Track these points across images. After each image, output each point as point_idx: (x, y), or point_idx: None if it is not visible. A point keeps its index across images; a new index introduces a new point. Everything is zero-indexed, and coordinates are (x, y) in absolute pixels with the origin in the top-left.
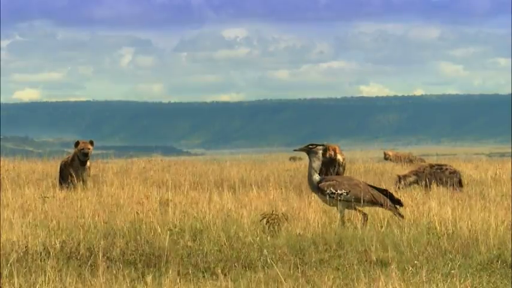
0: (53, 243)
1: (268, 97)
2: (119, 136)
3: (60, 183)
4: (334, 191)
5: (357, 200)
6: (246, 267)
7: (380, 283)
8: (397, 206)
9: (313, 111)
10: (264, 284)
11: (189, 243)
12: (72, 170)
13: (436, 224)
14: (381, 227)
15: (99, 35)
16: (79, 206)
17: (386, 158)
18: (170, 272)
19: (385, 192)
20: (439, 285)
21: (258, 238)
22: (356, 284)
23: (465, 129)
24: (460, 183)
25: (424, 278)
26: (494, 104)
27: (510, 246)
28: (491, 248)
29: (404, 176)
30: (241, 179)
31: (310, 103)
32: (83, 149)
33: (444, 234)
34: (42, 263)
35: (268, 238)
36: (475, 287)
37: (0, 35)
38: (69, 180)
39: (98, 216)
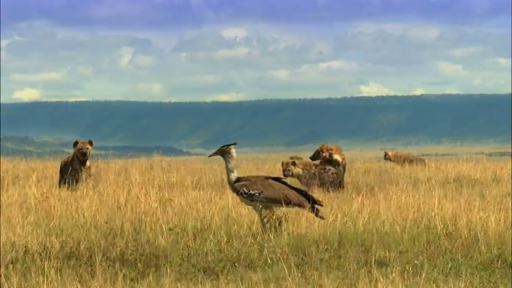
0: (52, 243)
1: (268, 97)
2: (119, 136)
3: (60, 183)
4: (247, 191)
5: (270, 200)
6: (246, 267)
7: (380, 283)
8: (317, 207)
9: (313, 111)
10: (264, 284)
11: (189, 243)
12: (72, 170)
13: (437, 223)
14: (382, 226)
15: (98, 35)
16: (79, 206)
17: (386, 158)
18: (170, 272)
19: (304, 193)
20: (439, 284)
21: (258, 238)
22: (356, 283)
23: (465, 129)
24: (341, 184)
25: (424, 277)
26: (494, 104)
27: (510, 246)
28: (491, 248)
29: (295, 164)
30: None
31: (310, 103)
32: (81, 148)
33: (444, 233)
34: (42, 263)
35: (269, 238)
36: (475, 287)
37: (0, 35)
38: (69, 180)
39: (98, 216)
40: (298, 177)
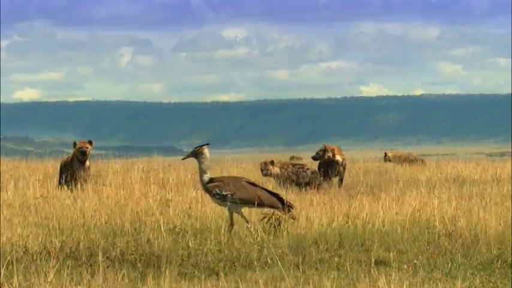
0: (52, 243)
1: (268, 97)
2: (119, 136)
3: (60, 183)
4: (219, 192)
5: (243, 201)
6: (246, 267)
7: (380, 283)
8: (290, 209)
9: (313, 111)
10: (264, 284)
11: (190, 243)
12: (72, 169)
13: (436, 223)
14: (382, 226)
15: (98, 35)
16: (79, 206)
17: (386, 159)
18: (170, 272)
19: (276, 196)
20: (439, 285)
21: (258, 238)
22: (356, 283)
23: (465, 129)
24: (319, 185)
25: (424, 277)
26: (494, 104)
27: (510, 246)
28: (491, 248)
29: (273, 163)
30: None
31: (310, 103)
32: (81, 147)
33: (444, 233)
34: (42, 262)
35: (269, 238)
36: (475, 287)
37: (0, 35)
38: (69, 180)
39: (98, 216)
40: (276, 176)
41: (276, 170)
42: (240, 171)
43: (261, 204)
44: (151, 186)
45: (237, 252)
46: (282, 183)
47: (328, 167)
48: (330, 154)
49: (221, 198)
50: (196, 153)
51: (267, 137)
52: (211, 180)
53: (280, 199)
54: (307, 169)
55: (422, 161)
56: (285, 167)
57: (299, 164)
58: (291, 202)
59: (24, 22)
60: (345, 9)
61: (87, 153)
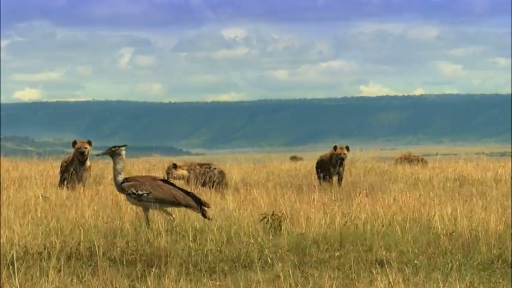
0: (53, 243)
1: (268, 97)
2: (119, 136)
3: (61, 183)
4: (135, 192)
5: (158, 200)
6: (246, 267)
7: (380, 283)
8: (204, 208)
9: (313, 111)
10: (264, 284)
11: (190, 243)
12: (73, 169)
13: (437, 223)
14: (382, 226)
15: (98, 35)
16: (79, 205)
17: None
18: (171, 272)
19: (190, 194)
20: (439, 284)
21: (258, 238)
22: (356, 283)
23: (465, 129)
24: (225, 183)
25: (424, 277)
26: (494, 104)
27: (510, 246)
28: (491, 248)
29: (176, 167)
30: (242, 179)
31: (310, 103)
32: (79, 148)
33: (444, 233)
34: (43, 263)
35: (269, 238)
36: (475, 287)
37: (0, 35)
38: (70, 180)
39: (98, 216)
40: (183, 178)
41: (181, 172)
42: (241, 172)
43: (177, 204)
44: None
45: (237, 252)
46: (191, 183)
47: (336, 165)
48: (345, 151)
49: (137, 198)
50: (114, 153)
51: (267, 137)
52: (126, 180)
53: (196, 198)
54: (214, 169)
55: (424, 161)
56: (192, 167)
57: (206, 164)
58: (206, 201)
59: (24, 22)
60: (345, 9)
61: (86, 153)
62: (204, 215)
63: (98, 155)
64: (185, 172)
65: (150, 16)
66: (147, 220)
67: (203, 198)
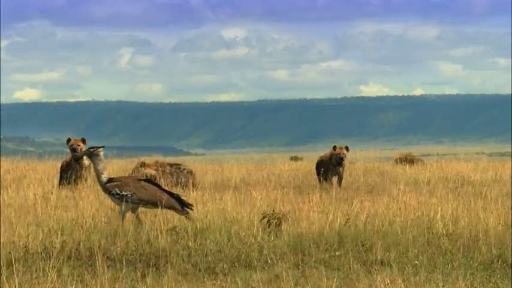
0: (53, 243)
1: (268, 97)
2: (119, 136)
3: (61, 183)
4: (119, 192)
5: (142, 201)
6: (246, 267)
7: (380, 283)
8: (187, 210)
9: (313, 111)
10: (264, 284)
11: (190, 243)
12: (72, 169)
13: (437, 223)
14: (382, 226)
15: (98, 35)
16: (79, 205)
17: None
18: (170, 272)
19: (175, 196)
20: (439, 285)
21: (258, 238)
22: (356, 284)
23: (465, 129)
24: (194, 184)
25: (424, 277)
26: (494, 104)
27: (510, 246)
28: (491, 248)
29: (145, 165)
30: (242, 179)
31: (310, 103)
32: (72, 144)
33: (444, 234)
34: (43, 263)
35: (269, 238)
36: (475, 287)
37: (0, 35)
38: (70, 180)
39: (98, 216)
40: (152, 177)
41: (148, 171)
42: (241, 172)
43: (160, 205)
44: None
45: (237, 252)
46: (160, 183)
47: (336, 165)
48: (345, 151)
49: (120, 198)
50: (92, 154)
51: (267, 137)
52: (110, 180)
53: (180, 201)
54: (184, 169)
55: (422, 161)
56: (162, 167)
57: (176, 165)
58: (191, 203)
59: (23, 22)
60: (345, 9)
61: (78, 150)
62: (187, 217)
63: (75, 154)
64: (153, 171)
65: (150, 16)
66: (123, 220)
67: (187, 199)
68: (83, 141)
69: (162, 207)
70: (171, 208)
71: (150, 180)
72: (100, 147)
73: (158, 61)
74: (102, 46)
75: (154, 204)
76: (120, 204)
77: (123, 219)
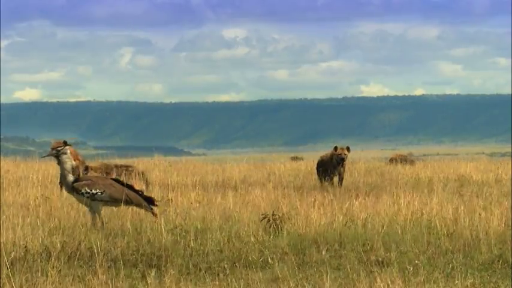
0: (53, 243)
1: (268, 97)
2: (119, 136)
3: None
4: (89, 191)
5: (112, 199)
6: (246, 267)
7: (380, 283)
8: (152, 206)
9: (313, 111)
10: (264, 284)
11: (191, 243)
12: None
13: (437, 223)
14: (382, 226)
15: (98, 35)
16: (80, 205)
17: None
18: (171, 272)
19: (140, 193)
20: (439, 285)
21: (259, 238)
22: (356, 284)
23: (466, 129)
24: (147, 184)
25: (424, 277)
26: (494, 104)
27: (511, 246)
28: (492, 248)
29: (88, 169)
30: (243, 179)
31: (310, 103)
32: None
33: (445, 234)
34: (43, 263)
35: (269, 238)
36: (475, 287)
37: (0, 35)
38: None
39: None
40: None
41: (93, 174)
42: (241, 172)
43: (129, 203)
44: (152, 186)
45: (237, 252)
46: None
47: (337, 166)
48: (346, 152)
49: (91, 197)
50: (59, 153)
51: (267, 137)
52: (77, 179)
53: (146, 198)
54: (132, 170)
55: (423, 161)
56: (108, 170)
57: (125, 166)
58: (155, 199)
59: (24, 22)
60: (345, 9)
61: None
62: (154, 214)
63: (43, 157)
64: (96, 174)
65: (150, 16)
66: (102, 221)
67: (152, 196)
68: (65, 143)
69: (131, 205)
70: (138, 205)
71: (117, 180)
72: (66, 145)
73: (159, 61)
74: (103, 46)
75: (123, 202)
76: (90, 203)
77: (99, 217)
